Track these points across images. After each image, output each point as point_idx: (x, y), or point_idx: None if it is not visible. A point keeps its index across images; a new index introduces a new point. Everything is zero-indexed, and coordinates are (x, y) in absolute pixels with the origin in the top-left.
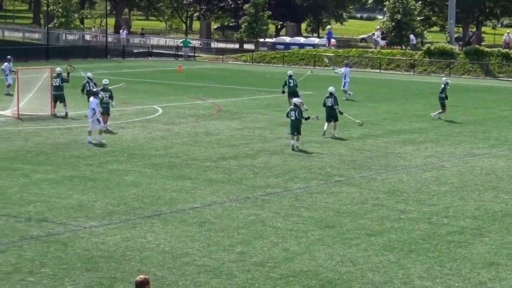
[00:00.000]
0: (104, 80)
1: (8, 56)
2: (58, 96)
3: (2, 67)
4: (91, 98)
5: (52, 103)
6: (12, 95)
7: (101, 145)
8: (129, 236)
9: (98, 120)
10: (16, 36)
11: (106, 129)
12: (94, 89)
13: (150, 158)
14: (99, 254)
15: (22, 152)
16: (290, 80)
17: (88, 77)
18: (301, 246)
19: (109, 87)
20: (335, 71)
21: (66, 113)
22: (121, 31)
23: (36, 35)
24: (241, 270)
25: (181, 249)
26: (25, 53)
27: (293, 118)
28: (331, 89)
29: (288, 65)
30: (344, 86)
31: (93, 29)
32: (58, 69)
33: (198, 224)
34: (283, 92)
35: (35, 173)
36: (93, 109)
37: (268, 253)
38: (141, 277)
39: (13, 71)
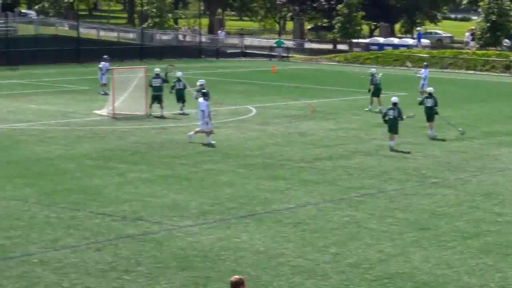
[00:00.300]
0: (200, 80)
1: (105, 56)
2: (157, 97)
3: (100, 65)
4: (201, 99)
5: (149, 102)
6: (108, 94)
7: (195, 144)
8: (224, 236)
9: (206, 122)
10: (111, 36)
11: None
12: (204, 90)
13: (244, 158)
14: (194, 253)
15: (118, 151)
16: (374, 78)
17: (178, 77)
18: (396, 248)
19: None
20: (417, 75)
21: (162, 114)
22: (219, 31)
23: (131, 35)
24: (335, 271)
25: (275, 250)
26: (120, 53)
27: (391, 117)
28: (430, 89)
29: (382, 66)
30: (422, 87)
31: (182, 29)
32: (156, 69)
33: (293, 225)
34: (369, 90)
35: (130, 172)
36: (203, 110)
37: (363, 255)
38: (236, 277)
39: (106, 70)
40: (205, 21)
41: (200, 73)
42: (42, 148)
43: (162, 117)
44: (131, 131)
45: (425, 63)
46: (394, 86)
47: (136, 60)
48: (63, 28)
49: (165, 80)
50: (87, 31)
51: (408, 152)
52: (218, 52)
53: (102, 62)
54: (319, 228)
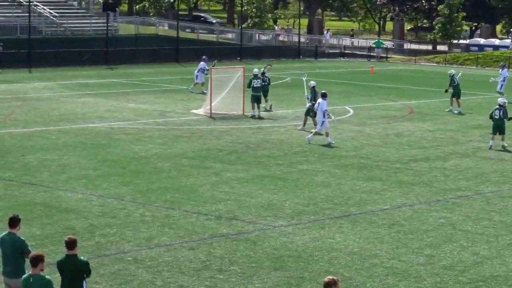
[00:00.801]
0: (311, 82)
1: (204, 56)
2: (257, 97)
3: (200, 66)
4: (320, 99)
5: (252, 103)
6: (205, 93)
7: (291, 145)
8: (318, 236)
9: (323, 122)
10: (210, 36)
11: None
12: (323, 91)
13: (340, 158)
14: (287, 253)
15: (214, 150)
16: (453, 79)
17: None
18: (492, 250)
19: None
20: (491, 80)
21: (259, 115)
22: (325, 32)
23: (230, 35)
24: (429, 273)
25: (369, 251)
26: (219, 52)
27: (497, 117)
28: (500, 100)
29: (482, 67)
30: (500, 88)
31: (276, 28)
32: (255, 70)
33: (387, 226)
34: (446, 91)
35: (226, 172)
36: (325, 110)
37: (458, 257)
38: (329, 277)
39: (207, 70)
40: (304, 21)
41: (298, 73)
42: (139, 147)
43: (259, 117)
44: (228, 131)
45: (501, 63)
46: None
47: (235, 60)
48: (163, 28)
49: (264, 80)
50: (187, 31)
51: (505, 156)
52: (316, 53)
53: (201, 63)
54: (413, 230)
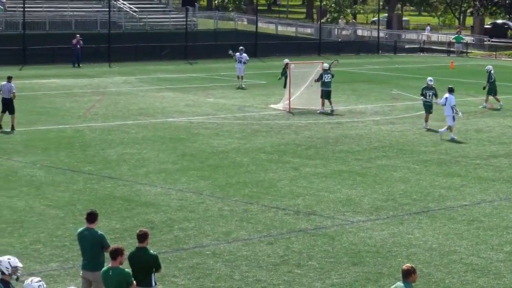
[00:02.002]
0: (429, 78)
1: (241, 47)
2: (328, 92)
3: (238, 56)
4: (447, 94)
5: (321, 99)
6: (244, 88)
7: (370, 140)
8: (396, 232)
9: (453, 117)
10: (289, 31)
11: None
12: (450, 86)
13: (419, 154)
14: (366, 249)
15: (293, 145)
16: (490, 76)
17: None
18: None
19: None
20: None
21: (332, 110)
22: (427, 28)
23: (309, 30)
24: (509, 270)
25: (448, 247)
26: (298, 47)
27: None
28: None
29: None
30: None
31: (340, 22)
32: (325, 64)
33: (467, 222)
34: (484, 88)
35: (304, 167)
36: (454, 105)
37: None
38: (408, 265)
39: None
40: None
41: (376, 69)
42: (217, 141)
43: (332, 112)
44: (306, 126)
45: None
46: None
47: (313, 55)
48: (243, 23)
49: (332, 75)
50: (266, 26)
51: None
52: (396, 48)
53: (237, 54)
54: (493, 226)
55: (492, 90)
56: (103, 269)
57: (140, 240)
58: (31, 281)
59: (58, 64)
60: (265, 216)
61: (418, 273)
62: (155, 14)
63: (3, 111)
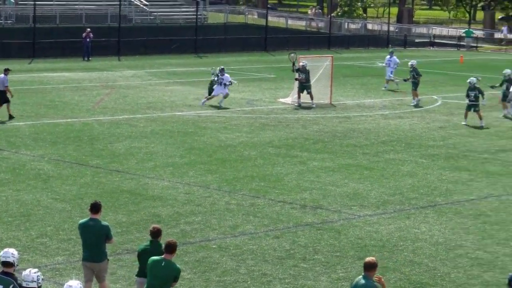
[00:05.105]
0: (471, 79)
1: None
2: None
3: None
4: None
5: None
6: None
7: (378, 134)
8: (403, 226)
9: None
10: (299, 24)
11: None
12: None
13: (427, 148)
14: (372, 243)
15: (301, 139)
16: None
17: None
18: None
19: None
20: None
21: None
22: (503, 28)
23: (319, 24)
24: None
25: (454, 241)
26: (308, 41)
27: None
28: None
29: None
30: None
31: (309, 12)
32: (301, 63)
33: (473, 217)
34: (406, 80)
35: (312, 161)
36: None
37: None
38: (372, 258)
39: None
40: (394, 10)
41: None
42: (225, 135)
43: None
44: (314, 120)
45: None
46: None
47: (323, 49)
48: (253, 17)
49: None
50: (276, 20)
51: None
52: (405, 42)
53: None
54: (500, 221)
55: (417, 84)
56: (155, 258)
57: (153, 236)
58: (29, 271)
59: (68, 57)
60: (272, 210)
61: (423, 268)
62: (165, 7)
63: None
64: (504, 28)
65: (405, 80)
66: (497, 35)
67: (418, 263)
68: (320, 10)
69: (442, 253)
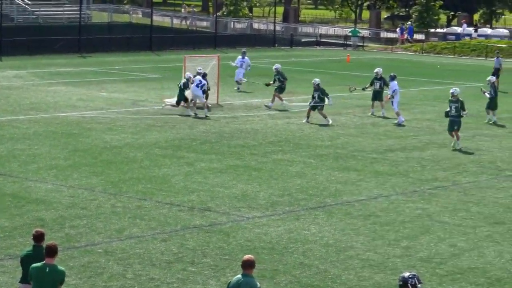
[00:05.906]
0: (314, 79)
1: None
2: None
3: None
4: None
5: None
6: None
7: (266, 134)
8: (292, 228)
9: None
10: (184, 24)
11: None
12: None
13: (315, 148)
14: (261, 245)
15: (187, 140)
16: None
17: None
18: (469, 242)
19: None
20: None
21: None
22: (463, 24)
23: (204, 23)
24: (406, 265)
25: (345, 242)
26: (193, 41)
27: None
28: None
29: (459, 56)
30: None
31: (183, 11)
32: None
33: (363, 217)
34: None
35: (199, 162)
36: None
37: (435, 249)
38: (249, 256)
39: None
40: (280, 9)
41: (273, 62)
42: (111, 136)
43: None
44: (201, 120)
45: (496, 51)
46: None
47: (209, 48)
48: (137, 16)
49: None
50: (161, 19)
51: (482, 146)
52: (292, 41)
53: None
54: (390, 221)
55: (283, 89)
56: (37, 265)
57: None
58: None
59: None
60: (159, 212)
61: (314, 270)
62: (48, 6)
63: None
64: (464, 25)
65: (266, 85)
66: (383, 35)
67: (309, 265)
68: (194, 9)
69: (332, 254)
